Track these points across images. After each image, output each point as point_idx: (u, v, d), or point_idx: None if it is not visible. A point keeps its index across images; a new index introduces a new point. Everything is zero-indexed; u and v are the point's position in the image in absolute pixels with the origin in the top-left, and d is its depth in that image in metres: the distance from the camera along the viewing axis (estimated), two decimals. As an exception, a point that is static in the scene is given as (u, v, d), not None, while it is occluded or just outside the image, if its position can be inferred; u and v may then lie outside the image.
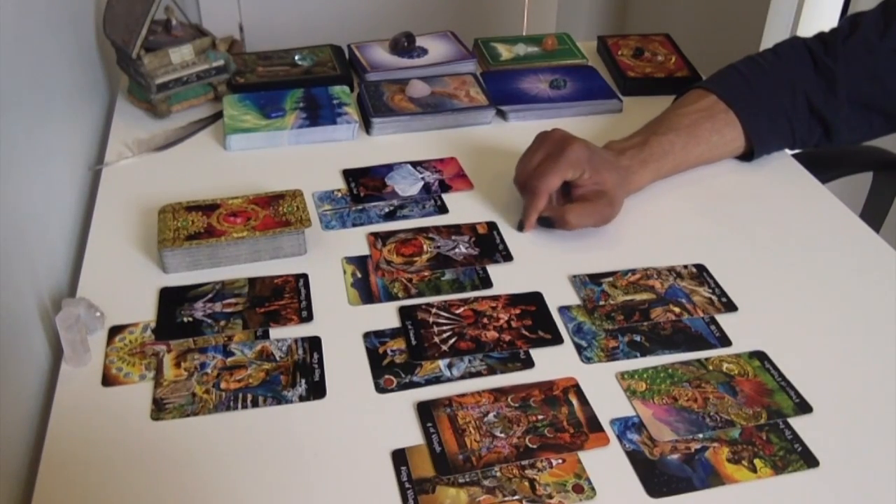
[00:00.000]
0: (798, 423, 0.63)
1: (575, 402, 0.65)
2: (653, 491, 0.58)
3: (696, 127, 0.91)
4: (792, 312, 0.75)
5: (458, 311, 0.73)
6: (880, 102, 0.92)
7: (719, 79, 0.96)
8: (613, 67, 1.16)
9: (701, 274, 0.79)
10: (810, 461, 0.60)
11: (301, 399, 0.65)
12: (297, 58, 1.12)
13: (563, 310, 0.74)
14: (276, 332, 0.71)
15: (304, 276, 0.77)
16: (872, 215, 1.19)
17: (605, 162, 0.83)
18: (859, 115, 0.92)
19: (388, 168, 0.94)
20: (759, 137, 0.93)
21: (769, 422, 0.63)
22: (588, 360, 0.69)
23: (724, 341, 0.71)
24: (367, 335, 0.71)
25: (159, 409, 0.63)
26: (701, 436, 0.62)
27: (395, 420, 0.63)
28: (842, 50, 0.92)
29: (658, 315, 0.74)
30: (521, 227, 0.83)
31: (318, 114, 1.00)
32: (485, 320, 0.72)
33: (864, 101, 0.92)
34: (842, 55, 0.91)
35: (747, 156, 0.95)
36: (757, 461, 0.60)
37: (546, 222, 0.82)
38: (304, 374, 0.67)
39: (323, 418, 0.63)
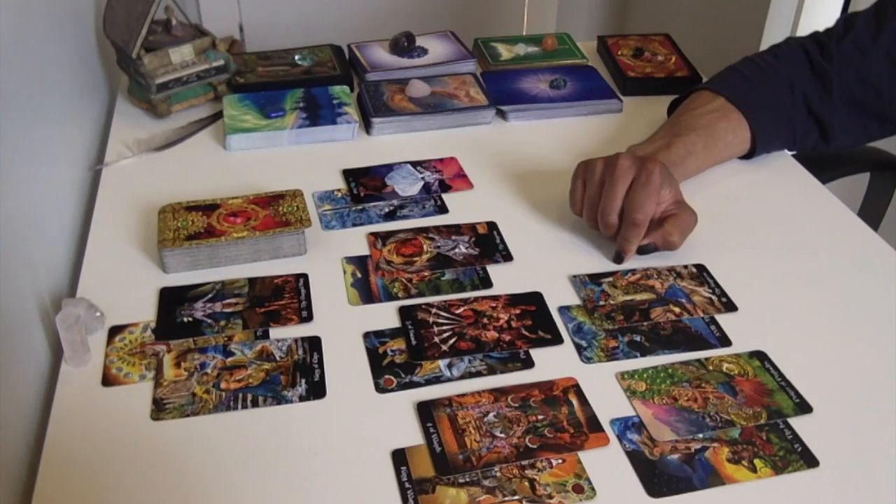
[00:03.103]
0: (798, 423, 0.63)
1: (575, 402, 0.65)
2: (653, 491, 0.58)
3: (714, 127, 0.90)
4: (792, 312, 0.75)
5: (458, 311, 0.73)
6: (873, 105, 0.91)
7: (722, 80, 0.96)
8: (613, 67, 1.16)
9: (701, 274, 0.79)
10: (810, 461, 0.60)
11: (301, 399, 0.65)
12: (297, 58, 1.12)
13: (563, 310, 0.74)
14: (276, 332, 0.71)
15: (304, 276, 0.77)
16: (869, 216, 1.19)
17: (670, 174, 0.81)
18: (853, 117, 0.92)
19: (388, 168, 0.94)
20: (763, 137, 0.93)
21: (769, 422, 0.63)
22: (588, 360, 0.69)
23: (724, 341, 0.71)
24: (367, 335, 0.71)
25: (159, 409, 0.63)
26: (701, 436, 0.62)
27: (395, 420, 0.63)
28: (836, 52, 0.92)
29: (658, 315, 0.74)
30: (619, 259, 0.79)
31: (318, 114, 1.00)
32: (485, 320, 0.72)
33: (857, 104, 0.91)
34: (836, 57, 0.91)
35: (746, 155, 0.95)
36: (757, 461, 0.60)
37: (641, 249, 0.79)
38: (304, 374, 0.67)
39: (323, 418, 0.63)
